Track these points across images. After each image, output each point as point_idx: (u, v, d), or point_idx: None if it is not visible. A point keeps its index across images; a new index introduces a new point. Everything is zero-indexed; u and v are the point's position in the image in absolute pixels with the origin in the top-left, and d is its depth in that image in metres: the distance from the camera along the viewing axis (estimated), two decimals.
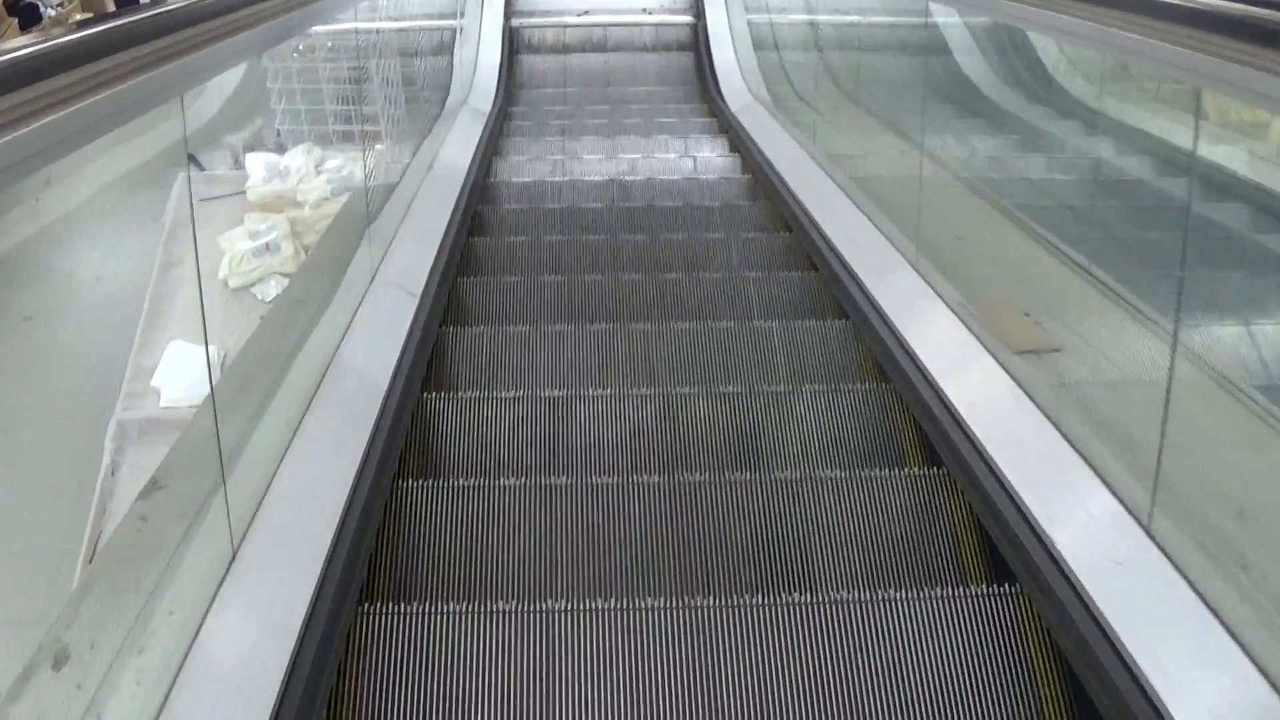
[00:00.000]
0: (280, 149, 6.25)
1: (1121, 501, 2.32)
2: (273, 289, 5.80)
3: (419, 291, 3.54)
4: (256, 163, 6.11)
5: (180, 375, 5.48)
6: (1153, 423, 2.26)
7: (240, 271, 5.83)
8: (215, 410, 2.13)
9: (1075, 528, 2.35)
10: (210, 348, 5.66)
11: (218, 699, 1.86)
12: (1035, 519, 2.41)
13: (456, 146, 5.76)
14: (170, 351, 5.52)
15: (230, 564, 2.12)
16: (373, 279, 3.46)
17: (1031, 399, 2.70)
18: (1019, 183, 4.41)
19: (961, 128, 5.07)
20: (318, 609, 2.14)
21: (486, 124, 6.50)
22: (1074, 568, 2.24)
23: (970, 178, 4.25)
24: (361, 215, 3.76)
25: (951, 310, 3.20)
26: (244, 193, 6.09)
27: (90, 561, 4.27)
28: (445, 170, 5.25)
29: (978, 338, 2.98)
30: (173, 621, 1.91)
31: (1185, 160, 3.36)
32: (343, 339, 3.04)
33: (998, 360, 2.83)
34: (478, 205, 5.10)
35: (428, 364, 3.38)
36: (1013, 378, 2.76)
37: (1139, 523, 2.24)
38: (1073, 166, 4.59)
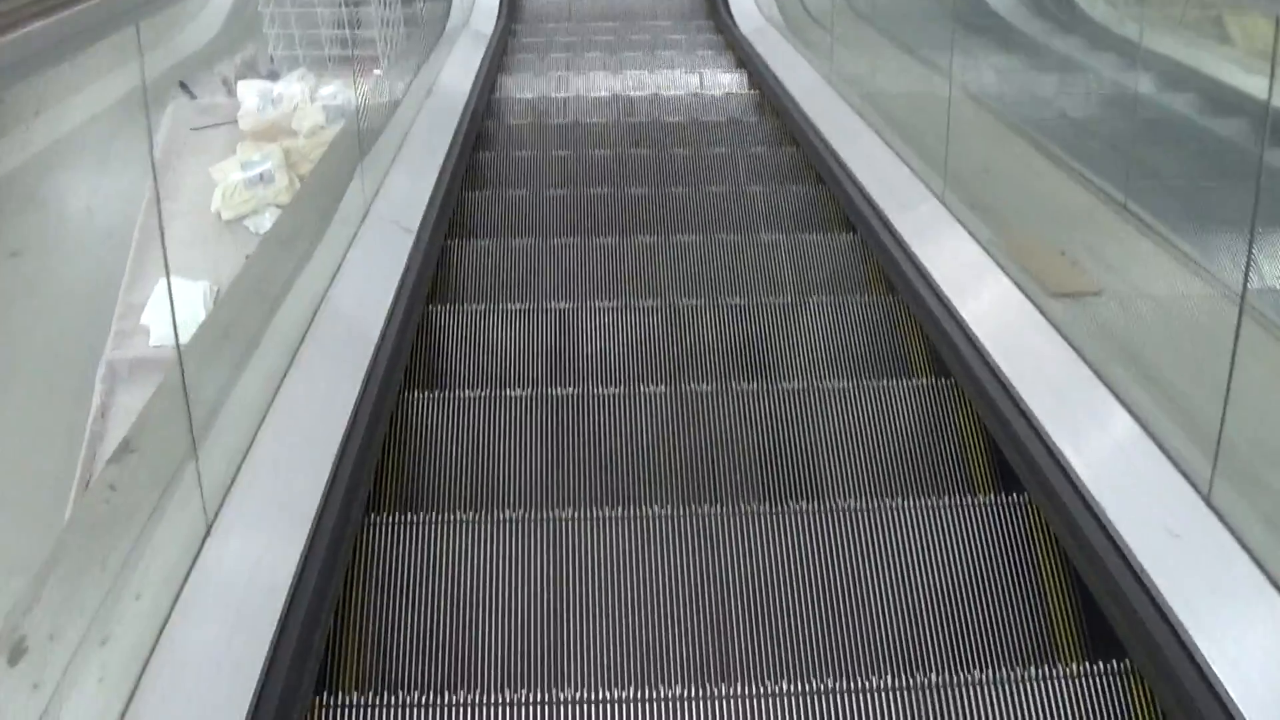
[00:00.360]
0: (274, 76, 6.01)
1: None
2: (267, 221, 5.60)
3: (414, 228, 3.34)
4: (249, 90, 5.88)
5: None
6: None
7: (233, 203, 5.64)
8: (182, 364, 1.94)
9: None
10: (202, 282, 5.51)
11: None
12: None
13: (458, 67, 5.51)
14: (160, 288, 5.33)
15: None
16: (366, 214, 3.26)
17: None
18: (1044, 109, 4.18)
19: (986, 52, 4.82)
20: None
21: (490, 43, 6.25)
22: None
23: (997, 106, 4.02)
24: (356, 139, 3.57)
25: (982, 248, 2.99)
26: (236, 122, 5.86)
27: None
28: (447, 89, 5.01)
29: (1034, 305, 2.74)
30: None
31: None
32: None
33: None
34: (483, 121, 4.94)
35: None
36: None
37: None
38: (1103, 96, 4.34)
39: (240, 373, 2.37)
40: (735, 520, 2.37)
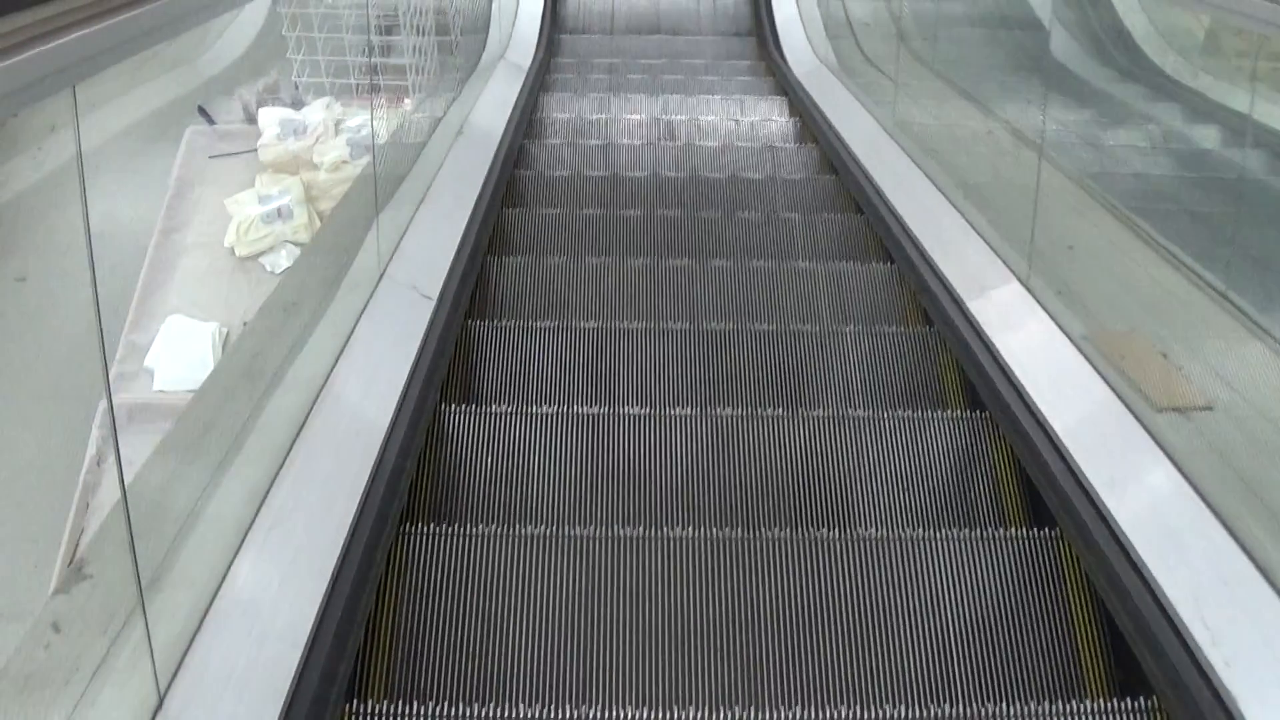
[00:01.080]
0: (297, 104, 5.68)
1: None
2: (284, 259, 5.28)
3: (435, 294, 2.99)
4: (270, 118, 5.56)
5: (178, 355, 4.99)
6: None
7: (248, 239, 5.31)
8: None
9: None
10: (211, 324, 5.19)
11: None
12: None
13: (491, 105, 5.18)
14: (168, 327, 5.02)
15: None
16: (380, 278, 2.92)
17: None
18: (1138, 181, 3.81)
19: (1072, 112, 4.45)
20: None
21: (527, 78, 5.91)
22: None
23: (1079, 173, 3.64)
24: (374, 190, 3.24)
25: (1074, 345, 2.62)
26: (255, 151, 5.54)
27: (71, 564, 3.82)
28: (478, 129, 4.68)
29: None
30: None
31: None
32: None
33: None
34: (516, 169, 4.63)
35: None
36: None
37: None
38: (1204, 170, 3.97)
39: (219, 479, 2.02)
40: (761, 545, 2.38)
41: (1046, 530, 2.40)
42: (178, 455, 2.02)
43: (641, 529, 2.43)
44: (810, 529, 2.50)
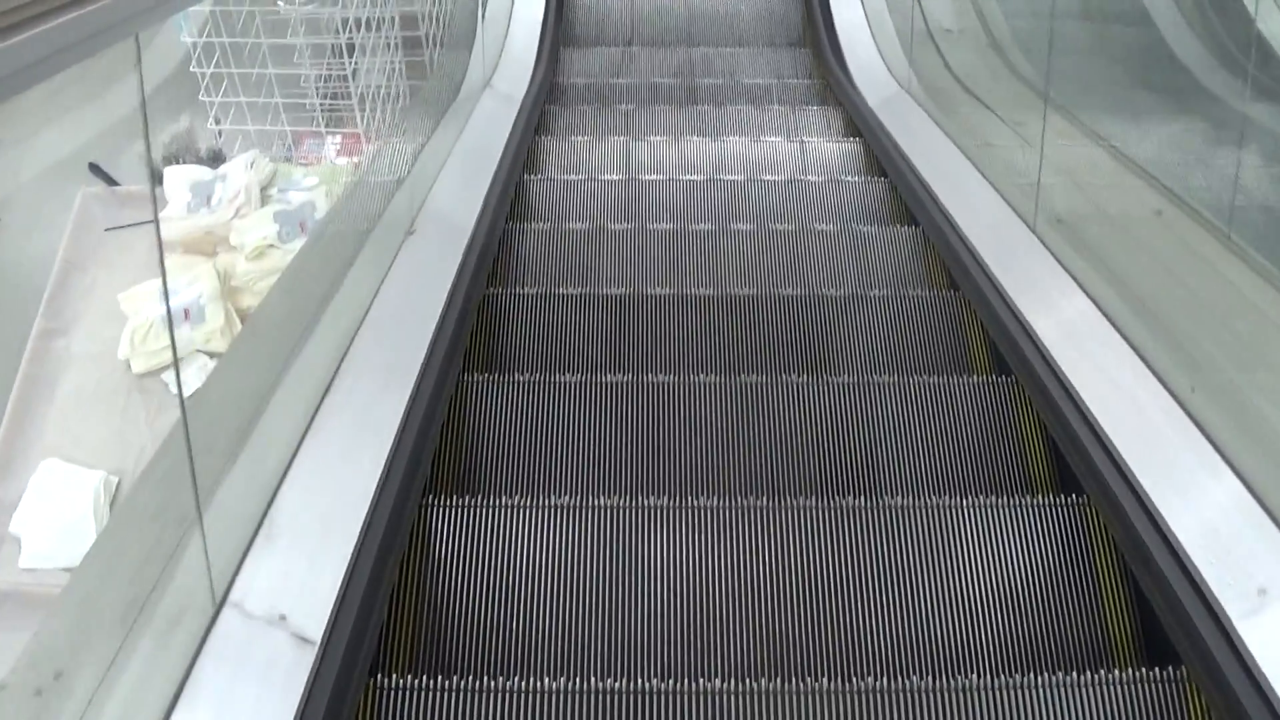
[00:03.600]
0: (215, 158, 4.35)
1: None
2: (193, 377, 4.00)
3: None
4: (178, 181, 4.27)
5: (52, 517, 3.80)
6: None
7: (147, 349, 4.09)
8: None
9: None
10: (96, 472, 4.04)
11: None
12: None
13: (467, 164, 3.85)
14: (42, 475, 3.78)
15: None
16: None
17: None
18: None
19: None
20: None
21: (520, 114, 4.55)
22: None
23: None
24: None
25: None
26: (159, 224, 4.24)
27: None
28: (444, 209, 3.37)
29: None
30: None
31: None
32: None
33: None
34: (489, 286, 3.32)
35: None
36: None
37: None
38: None
39: None
40: (788, 514, 2.40)
41: (1074, 497, 2.45)
42: None
43: (666, 499, 2.46)
44: (836, 497, 2.55)
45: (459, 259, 2.99)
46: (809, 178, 4.15)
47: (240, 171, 4.19)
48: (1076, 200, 3.23)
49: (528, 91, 4.78)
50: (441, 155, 3.68)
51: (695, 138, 4.66)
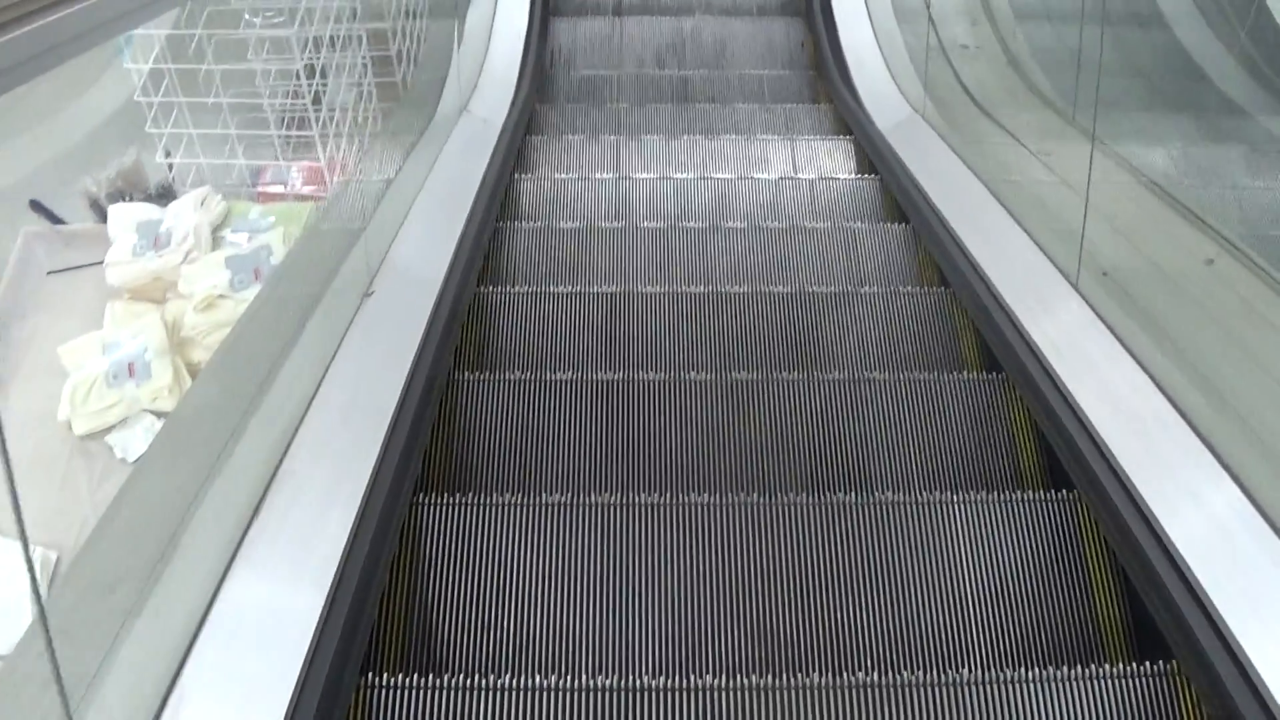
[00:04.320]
0: (165, 194, 3.98)
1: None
2: (139, 439, 3.65)
3: None
4: (123, 220, 3.88)
5: None
6: None
7: (89, 409, 3.71)
8: None
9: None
10: (35, 550, 3.69)
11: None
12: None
13: (437, 205, 3.46)
14: None
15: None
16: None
17: None
18: None
19: None
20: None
21: (499, 142, 4.15)
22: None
23: None
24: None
25: None
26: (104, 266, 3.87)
27: None
28: (409, 263, 3.01)
29: None
30: None
31: None
32: None
33: None
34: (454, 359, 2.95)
35: None
36: None
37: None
38: None
39: None
40: (779, 510, 2.41)
41: (1064, 492, 2.43)
42: None
43: (658, 496, 2.45)
44: (827, 493, 2.53)
45: (421, 331, 2.61)
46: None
47: (190, 210, 3.82)
48: (1129, 254, 2.87)
49: (509, 116, 4.39)
50: (408, 197, 3.29)
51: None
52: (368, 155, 3.63)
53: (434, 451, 2.62)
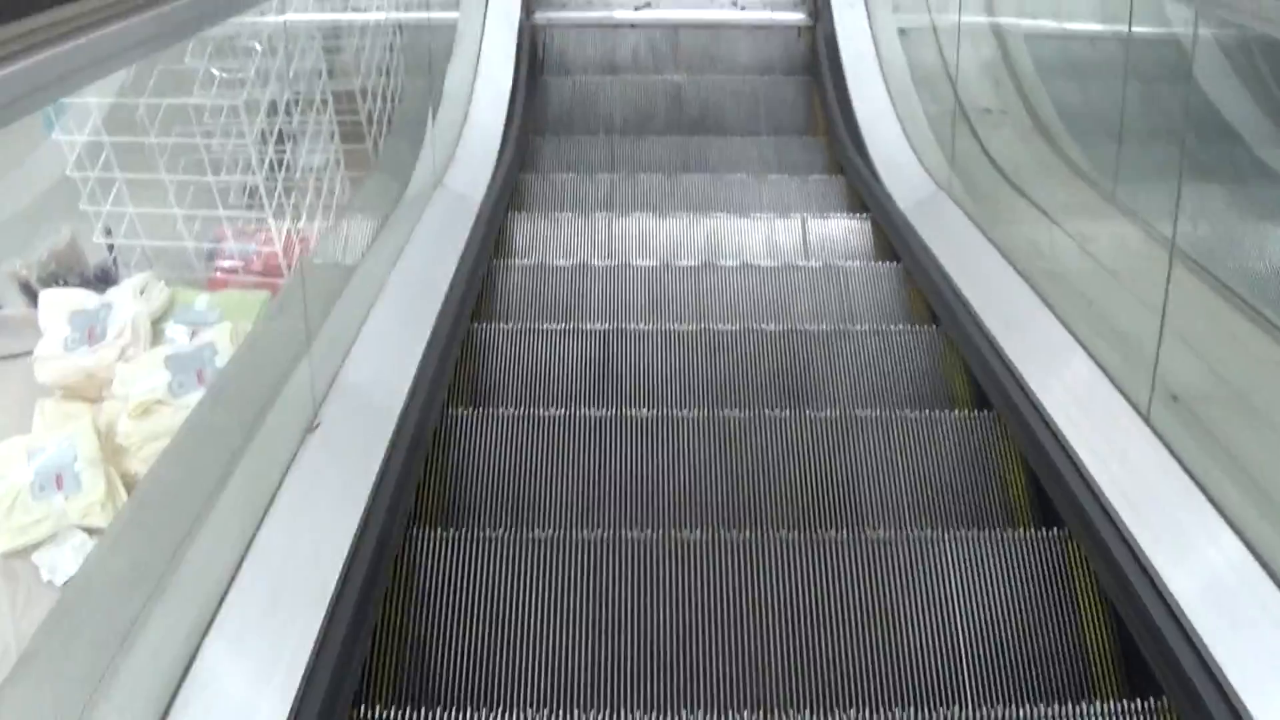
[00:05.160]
0: (103, 278, 3.59)
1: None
2: (68, 558, 3.26)
3: None
4: (55, 309, 3.48)
5: None
6: None
7: (13, 524, 3.31)
8: None
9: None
10: None
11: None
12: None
13: (403, 303, 3.07)
14: None
15: None
16: None
17: None
18: None
19: None
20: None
21: (476, 219, 3.74)
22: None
23: None
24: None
25: None
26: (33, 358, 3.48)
27: None
28: (365, 380, 2.62)
29: None
30: None
31: None
32: None
33: None
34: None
35: None
36: None
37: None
38: None
39: None
40: (768, 547, 2.40)
41: (1055, 530, 2.42)
42: None
43: (649, 532, 2.46)
44: (817, 530, 2.56)
45: (372, 481, 2.20)
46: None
47: (129, 300, 3.43)
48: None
49: (488, 191, 3.98)
50: (366, 299, 2.87)
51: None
52: (319, 252, 3.22)
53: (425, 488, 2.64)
